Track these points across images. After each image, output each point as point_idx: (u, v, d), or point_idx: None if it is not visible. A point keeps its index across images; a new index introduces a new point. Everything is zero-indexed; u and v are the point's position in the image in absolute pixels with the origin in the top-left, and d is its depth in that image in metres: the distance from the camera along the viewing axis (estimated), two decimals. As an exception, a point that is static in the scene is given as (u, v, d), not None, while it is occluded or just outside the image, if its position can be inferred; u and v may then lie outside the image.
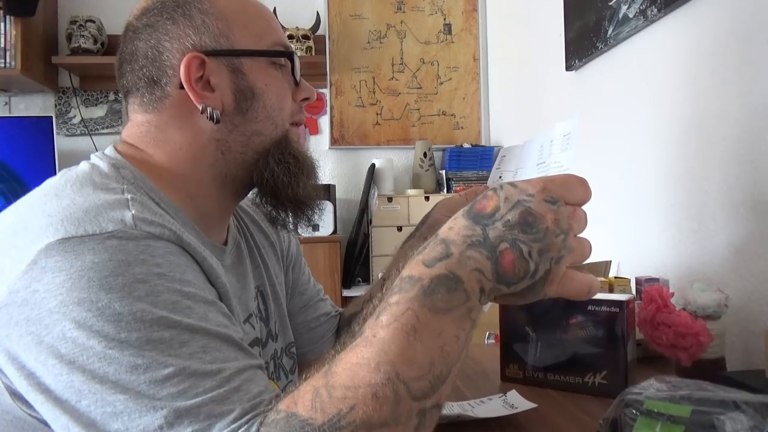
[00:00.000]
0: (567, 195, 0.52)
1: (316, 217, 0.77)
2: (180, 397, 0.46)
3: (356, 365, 0.45)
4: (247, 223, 0.85)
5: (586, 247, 0.53)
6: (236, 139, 0.68)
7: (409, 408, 0.45)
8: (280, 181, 0.70)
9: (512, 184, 0.52)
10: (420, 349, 0.46)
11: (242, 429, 0.46)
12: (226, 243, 0.75)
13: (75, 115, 2.86)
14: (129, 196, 0.56)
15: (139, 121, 0.69)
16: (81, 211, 0.52)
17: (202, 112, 0.66)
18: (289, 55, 0.71)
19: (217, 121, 0.66)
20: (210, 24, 0.67)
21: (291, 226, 0.77)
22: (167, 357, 0.47)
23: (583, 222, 0.53)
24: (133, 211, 0.54)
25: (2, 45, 2.52)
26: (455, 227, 0.51)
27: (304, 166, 0.73)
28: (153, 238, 0.53)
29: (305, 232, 0.80)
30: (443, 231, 0.51)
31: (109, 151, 0.67)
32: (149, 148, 0.68)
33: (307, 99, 0.75)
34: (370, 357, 0.45)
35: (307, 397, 0.46)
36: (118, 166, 0.63)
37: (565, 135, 0.66)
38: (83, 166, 0.62)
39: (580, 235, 0.53)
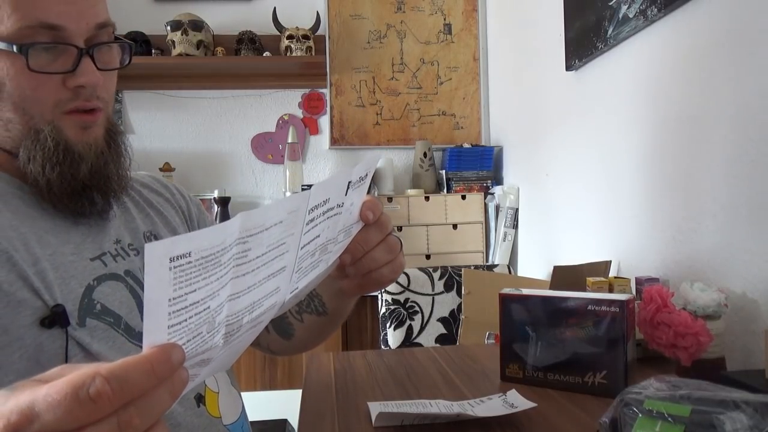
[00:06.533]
0: (57, 420, 0.33)
1: (103, 201, 0.71)
2: None
3: None
4: (134, 186, 0.83)
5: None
6: None
7: None
8: (36, 171, 0.67)
9: None
10: None
11: None
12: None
13: (75, 115, 2.86)
14: None
15: None
16: None
17: None
18: (8, 47, 0.63)
19: None
20: None
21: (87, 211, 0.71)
22: None
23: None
24: None
25: (2, 45, 2.52)
26: None
27: (65, 156, 0.67)
28: None
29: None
30: None
31: None
32: None
33: (82, 86, 0.67)
34: None
35: None
36: None
37: (361, 177, 0.58)
38: None
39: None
